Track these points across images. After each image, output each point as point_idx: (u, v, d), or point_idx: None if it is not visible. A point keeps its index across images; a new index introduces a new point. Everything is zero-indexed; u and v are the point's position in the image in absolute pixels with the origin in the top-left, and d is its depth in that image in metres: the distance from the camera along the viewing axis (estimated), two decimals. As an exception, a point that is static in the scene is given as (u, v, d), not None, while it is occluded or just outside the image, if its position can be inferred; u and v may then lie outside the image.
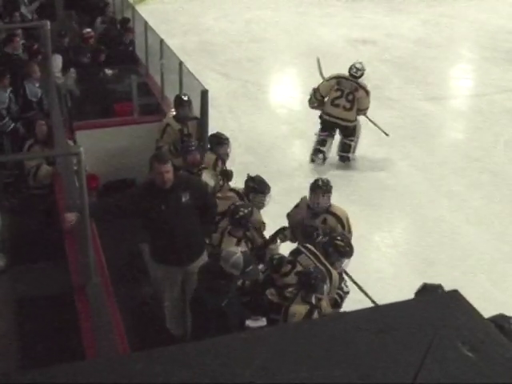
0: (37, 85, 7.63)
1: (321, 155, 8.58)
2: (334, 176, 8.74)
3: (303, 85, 12.51)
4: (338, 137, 8.72)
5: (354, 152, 8.68)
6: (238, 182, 6.50)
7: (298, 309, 4.36)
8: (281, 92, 12.12)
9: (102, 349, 3.81)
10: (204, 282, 4.38)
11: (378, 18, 16.27)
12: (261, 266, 4.98)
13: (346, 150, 8.62)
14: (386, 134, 8.94)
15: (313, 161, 8.63)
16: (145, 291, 5.77)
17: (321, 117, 8.55)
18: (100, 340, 3.88)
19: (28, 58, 8.56)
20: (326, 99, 8.46)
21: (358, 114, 8.47)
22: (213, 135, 6.40)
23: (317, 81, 9.01)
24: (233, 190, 5.79)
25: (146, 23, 9.15)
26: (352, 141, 8.57)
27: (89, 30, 9.88)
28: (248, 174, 5.73)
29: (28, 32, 9.47)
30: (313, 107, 8.59)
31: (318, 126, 8.72)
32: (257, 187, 5.51)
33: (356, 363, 1.19)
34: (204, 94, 6.53)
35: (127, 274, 5.82)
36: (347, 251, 4.82)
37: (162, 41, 8.04)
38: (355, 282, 5.29)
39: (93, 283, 4.17)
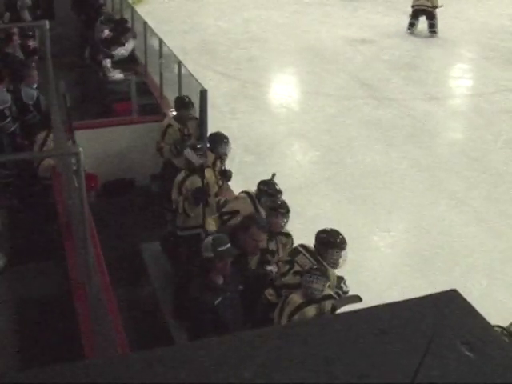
0: (34, 86, 7.61)
1: (411, 31, 14.99)
2: (333, 176, 8.77)
3: (302, 84, 12.54)
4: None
5: (436, 27, 14.78)
6: (237, 182, 6.50)
7: (295, 298, 4.40)
8: (280, 92, 12.13)
9: (101, 349, 3.81)
10: (199, 280, 4.39)
11: (376, 17, 16.29)
12: (271, 267, 4.97)
13: (432, 26, 14.81)
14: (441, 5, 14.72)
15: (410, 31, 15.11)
16: (145, 291, 5.77)
17: (413, 11, 14.93)
18: (100, 340, 3.88)
19: (25, 58, 8.55)
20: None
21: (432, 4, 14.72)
22: (213, 134, 6.39)
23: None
24: (246, 192, 5.70)
25: (145, 23, 9.14)
26: (434, 21, 14.76)
27: None
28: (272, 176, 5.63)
29: (23, 32, 9.45)
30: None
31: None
32: (269, 190, 5.43)
33: (355, 363, 1.19)
34: (203, 93, 6.52)
35: (127, 274, 5.82)
36: (331, 242, 4.72)
37: (161, 40, 8.03)
38: None
39: (92, 283, 4.17)
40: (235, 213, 5.32)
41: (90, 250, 4.10)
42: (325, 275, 4.45)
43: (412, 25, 15.13)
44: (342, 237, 4.75)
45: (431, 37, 14.80)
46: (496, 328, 3.83)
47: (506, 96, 11.56)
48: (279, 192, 5.42)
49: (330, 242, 4.72)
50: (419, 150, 9.51)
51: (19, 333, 4.83)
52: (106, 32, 9.76)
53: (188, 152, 5.80)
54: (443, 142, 10.19)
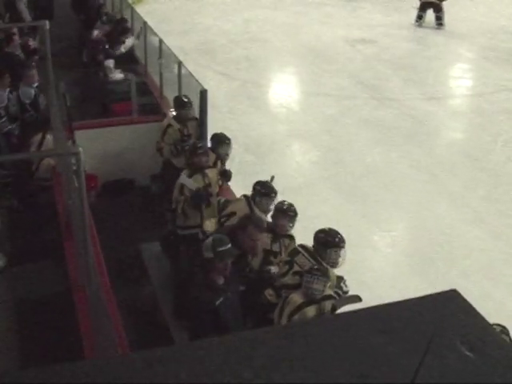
0: (35, 85, 7.61)
1: (418, 23, 15.60)
2: (333, 176, 8.77)
3: (302, 84, 12.54)
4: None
5: (443, 20, 15.46)
6: (237, 182, 6.50)
7: (295, 298, 4.40)
8: (280, 92, 12.13)
9: (101, 349, 3.81)
10: (200, 280, 4.38)
11: (376, 17, 16.29)
12: (273, 268, 4.97)
13: (439, 19, 15.51)
14: None
15: (418, 24, 15.75)
16: (145, 291, 5.77)
17: (421, 3, 15.51)
18: (100, 340, 3.88)
19: (25, 58, 8.56)
20: None
21: None
22: (215, 135, 6.38)
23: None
24: (244, 195, 5.67)
25: (145, 23, 9.15)
26: (440, 14, 15.45)
27: None
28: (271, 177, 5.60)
29: (23, 31, 9.46)
30: None
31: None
32: (262, 190, 5.41)
33: (355, 363, 1.19)
34: (203, 93, 6.52)
35: (127, 274, 5.82)
36: (330, 241, 4.71)
37: (161, 40, 8.03)
38: None
39: (92, 283, 4.17)
40: (232, 214, 5.34)
41: (90, 250, 4.10)
42: (325, 275, 4.45)
43: (420, 17, 15.71)
44: (341, 236, 4.75)
45: (438, 29, 15.38)
46: (495, 326, 3.83)
47: (506, 96, 11.56)
48: (274, 192, 5.41)
49: (329, 242, 4.71)
50: (419, 149, 9.51)
51: (19, 333, 4.83)
52: (95, 32, 9.75)
53: None
54: (443, 142, 10.19)
